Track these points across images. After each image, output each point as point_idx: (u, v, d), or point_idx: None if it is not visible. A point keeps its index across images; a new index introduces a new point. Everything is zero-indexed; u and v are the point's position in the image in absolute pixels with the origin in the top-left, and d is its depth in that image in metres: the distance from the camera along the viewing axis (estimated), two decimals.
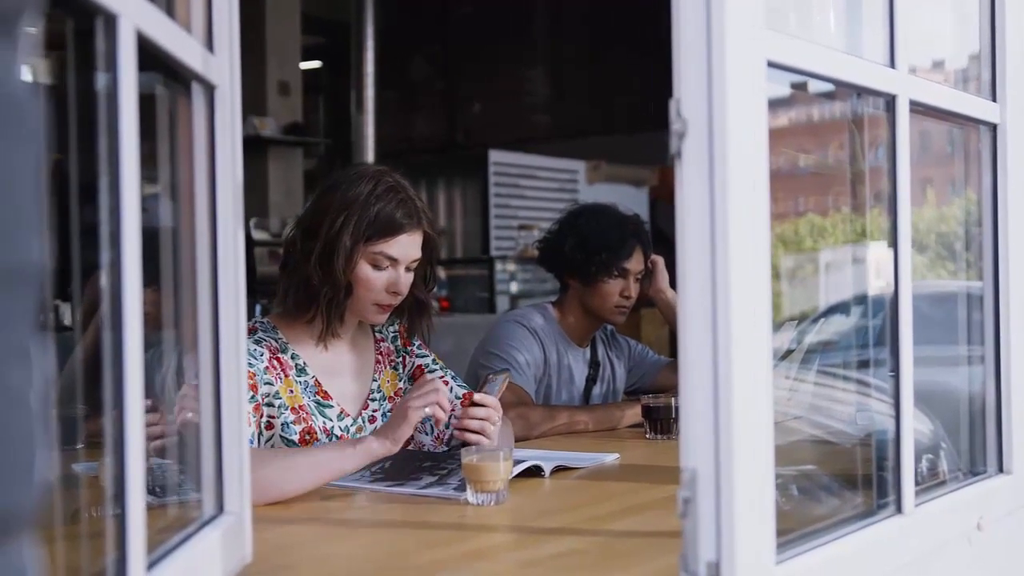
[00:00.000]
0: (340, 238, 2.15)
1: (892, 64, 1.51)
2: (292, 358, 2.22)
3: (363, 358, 2.35)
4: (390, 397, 2.35)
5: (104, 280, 1.01)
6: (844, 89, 1.59)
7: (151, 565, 1.08)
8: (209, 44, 1.35)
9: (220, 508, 1.36)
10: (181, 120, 1.34)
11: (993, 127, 1.80)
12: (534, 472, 2.10)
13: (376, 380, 2.35)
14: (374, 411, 2.32)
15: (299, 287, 2.20)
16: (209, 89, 1.35)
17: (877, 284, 1.90)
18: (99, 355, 1.03)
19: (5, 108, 0.52)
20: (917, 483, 1.55)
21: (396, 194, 2.20)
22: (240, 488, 1.39)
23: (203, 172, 1.35)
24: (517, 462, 2.03)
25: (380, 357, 2.38)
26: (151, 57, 1.11)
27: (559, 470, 2.17)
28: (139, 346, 1.02)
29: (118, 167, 1.01)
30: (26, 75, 0.55)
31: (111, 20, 0.99)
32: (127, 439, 1.01)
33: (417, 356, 2.43)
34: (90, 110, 1.03)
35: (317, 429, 2.19)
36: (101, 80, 1.02)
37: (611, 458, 2.34)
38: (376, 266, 2.19)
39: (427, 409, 1.97)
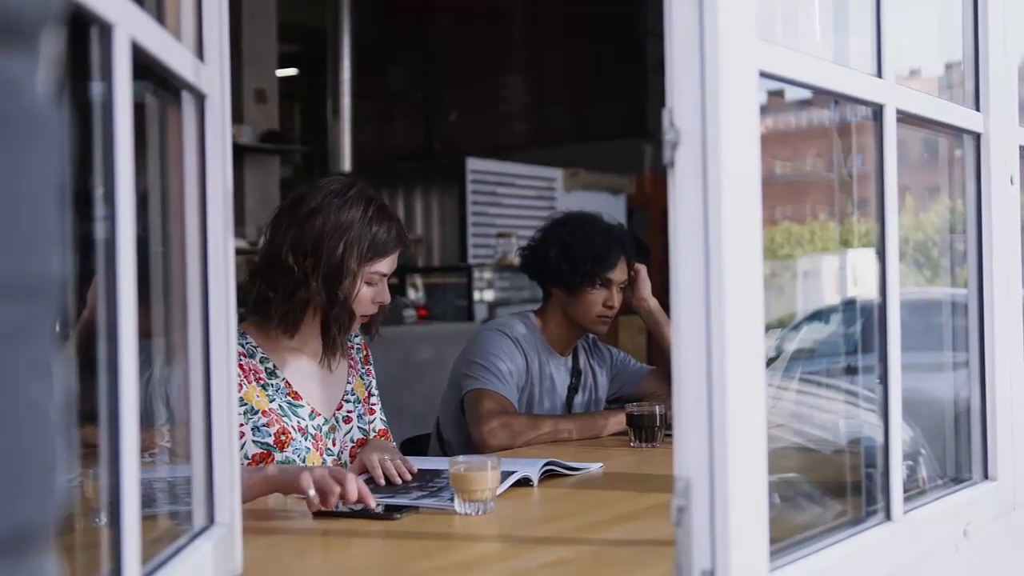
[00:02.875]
0: (346, 263, 2.23)
1: (879, 74, 1.52)
2: (261, 362, 2.28)
3: (336, 368, 2.40)
4: (363, 400, 2.45)
5: (99, 290, 1.00)
6: (822, 97, 1.60)
7: None
8: (199, 53, 1.34)
9: (211, 519, 1.36)
10: (171, 129, 1.34)
11: (977, 136, 1.82)
12: (522, 481, 2.10)
13: (350, 383, 2.43)
14: (348, 411, 2.40)
15: (300, 308, 2.25)
16: (199, 98, 1.34)
17: (856, 291, 1.92)
18: (83, 364, 1.03)
19: (28, 122, 0.52)
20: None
21: (386, 214, 2.31)
22: (231, 500, 1.38)
23: (193, 181, 1.35)
24: (506, 473, 2.02)
25: (352, 362, 2.46)
26: (142, 66, 1.11)
27: (548, 476, 2.17)
28: (133, 357, 1.01)
29: (113, 176, 1.00)
30: (47, 87, 0.55)
31: (106, 29, 0.99)
32: (122, 451, 1.00)
33: (372, 376, 2.53)
34: (84, 118, 1.02)
35: (291, 428, 2.24)
36: (95, 88, 1.01)
37: (596, 467, 2.34)
38: (369, 284, 2.29)
39: (311, 492, 1.83)
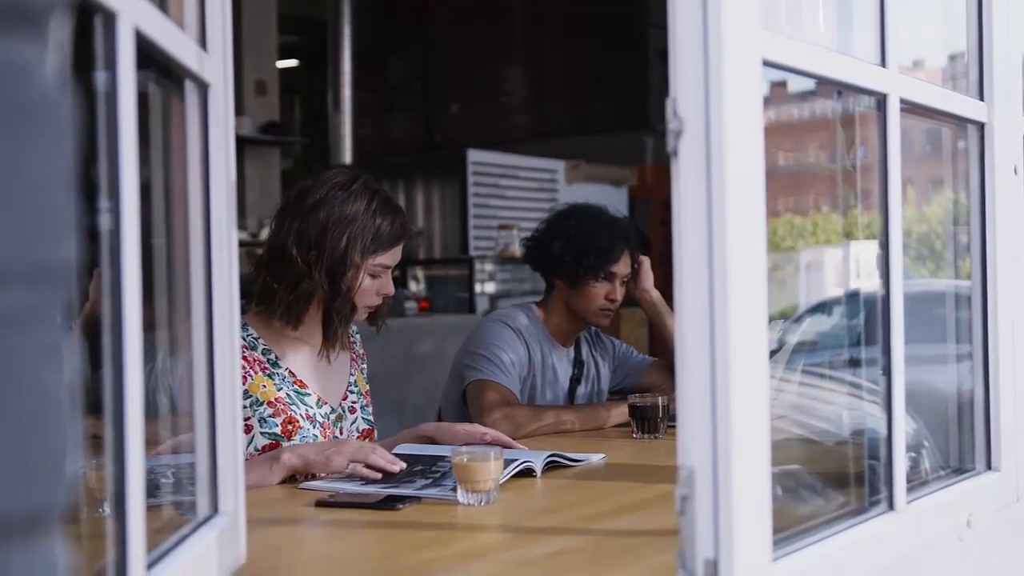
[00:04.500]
0: (349, 255, 2.25)
1: (883, 63, 1.52)
2: (263, 353, 2.30)
3: (334, 359, 2.42)
4: (364, 394, 2.48)
5: (104, 281, 1.00)
6: (825, 88, 1.60)
7: (150, 565, 1.08)
8: (203, 42, 1.34)
9: (215, 509, 1.36)
10: (174, 118, 1.33)
11: (981, 126, 1.82)
12: (524, 472, 2.10)
13: (352, 375, 2.46)
14: (352, 402, 2.43)
15: (303, 300, 2.27)
16: (203, 88, 1.34)
17: (860, 283, 1.92)
18: (86, 354, 1.03)
19: (39, 108, 0.52)
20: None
21: (390, 206, 2.32)
22: (235, 489, 1.38)
23: (196, 172, 1.35)
24: (508, 462, 2.02)
25: (354, 355, 2.49)
26: (145, 55, 1.10)
27: (550, 468, 2.18)
28: (138, 348, 1.01)
29: (117, 166, 1.00)
30: (57, 72, 0.55)
31: (110, 18, 0.99)
32: (127, 441, 1.00)
33: (366, 374, 2.55)
34: (87, 108, 1.02)
35: (299, 417, 2.26)
36: (99, 78, 1.01)
37: (597, 458, 2.34)
38: (373, 276, 2.31)
39: (350, 468, 2.05)
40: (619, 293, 3.01)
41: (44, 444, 0.51)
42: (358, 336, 2.54)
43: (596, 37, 9.07)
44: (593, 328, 3.19)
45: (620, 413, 2.80)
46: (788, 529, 1.33)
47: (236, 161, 1.42)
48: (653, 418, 2.62)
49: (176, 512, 1.41)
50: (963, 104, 1.78)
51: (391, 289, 2.36)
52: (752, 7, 1.21)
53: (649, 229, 7.20)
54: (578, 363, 3.13)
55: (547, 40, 9.60)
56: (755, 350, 1.20)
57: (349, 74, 8.60)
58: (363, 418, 2.44)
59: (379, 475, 2.03)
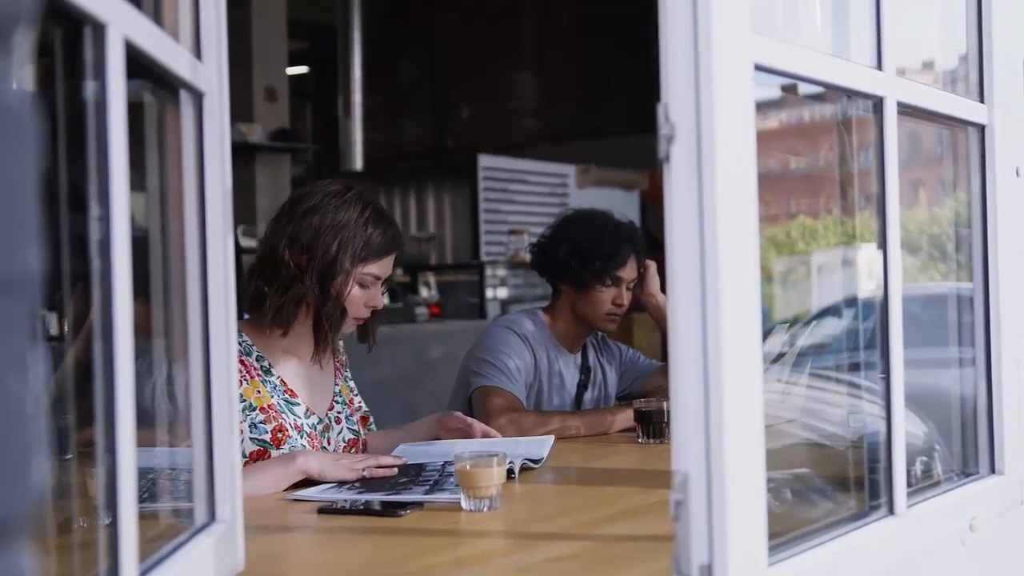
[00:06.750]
0: (339, 261, 2.26)
1: (879, 66, 1.52)
2: (257, 360, 2.31)
3: (325, 365, 2.44)
4: (348, 403, 2.49)
5: (94, 290, 1.01)
6: (833, 91, 1.59)
7: (144, 573, 1.08)
8: (197, 52, 1.35)
9: (212, 516, 1.36)
10: (169, 128, 1.34)
11: (981, 128, 1.81)
12: (526, 477, 2.11)
13: (337, 385, 2.47)
14: (338, 413, 2.45)
15: (293, 304, 2.28)
16: (197, 97, 1.34)
17: (868, 286, 1.91)
18: (88, 365, 1.03)
19: (3, 118, 0.52)
20: (910, 485, 1.55)
21: (383, 217, 2.35)
22: (232, 496, 1.38)
23: (192, 180, 1.35)
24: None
25: (338, 366, 2.51)
26: (138, 65, 1.11)
27: (524, 470, 2.20)
28: (130, 355, 1.02)
29: (107, 175, 1.00)
30: (22, 84, 0.55)
31: (100, 29, 0.99)
32: (119, 449, 1.00)
33: (350, 379, 2.57)
34: (78, 118, 1.02)
35: (288, 426, 2.28)
36: (89, 88, 1.02)
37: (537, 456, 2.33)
38: (362, 285, 2.32)
39: (365, 472, 2.13)
40: (625, 298, 3.01)
41: (8, 451, 0.51)
42: (341, 342, 2.54)
43: (605, 40, 9.06)
44: (599, 333, 3.19)
45: (625, 418, 2.80)
46: (786, 534, 1.33)
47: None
48: (658, 423, 2.62)
49: (176, 519, 1.41)
50: (963, 106, 1.78)
51: (380, 302, 2.36)
52: (743, 11, 1.21)
53: (660, 233, 7.19)
54: (585, 369, 3.13)
55: (556, 44, 9.59)
56: (748, 354, 1.20)
57: (359, 80, 8.61)
58: (348, 428, 2.45)
59: (395, 471, 2.14)
